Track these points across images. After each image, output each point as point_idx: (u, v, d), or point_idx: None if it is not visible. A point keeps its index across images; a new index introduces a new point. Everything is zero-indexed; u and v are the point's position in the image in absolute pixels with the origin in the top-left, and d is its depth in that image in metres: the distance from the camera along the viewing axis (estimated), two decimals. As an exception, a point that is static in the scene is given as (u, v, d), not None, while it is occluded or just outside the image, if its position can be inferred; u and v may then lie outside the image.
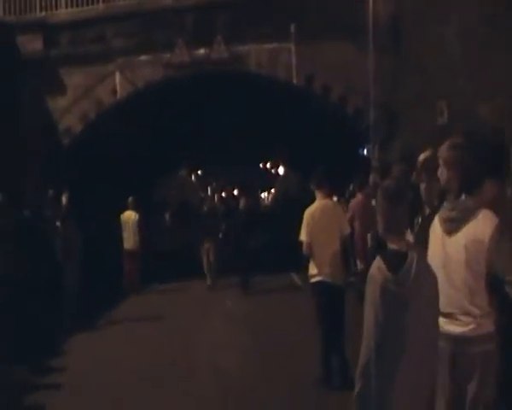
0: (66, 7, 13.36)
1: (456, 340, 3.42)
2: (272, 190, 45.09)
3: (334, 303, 6.36)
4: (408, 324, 2.95)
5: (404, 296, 2.95)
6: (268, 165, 40.39)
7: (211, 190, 36.59)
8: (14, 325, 7.61)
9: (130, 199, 13.03)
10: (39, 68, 12.76)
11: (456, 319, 3.44)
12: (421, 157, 6.00)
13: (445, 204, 3.74)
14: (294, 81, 12.60)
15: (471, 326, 3.41)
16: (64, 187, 10.62)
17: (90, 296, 10.24)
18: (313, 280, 6.49)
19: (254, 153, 28.40)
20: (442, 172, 4.11)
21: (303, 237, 6.47)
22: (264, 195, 46.50)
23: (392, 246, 3.08)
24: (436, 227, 3.64)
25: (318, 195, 6.72)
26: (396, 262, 3.00)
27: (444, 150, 4.21)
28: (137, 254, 13.15)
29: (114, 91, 13.04)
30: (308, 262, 6.55)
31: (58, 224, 9.97)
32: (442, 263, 3.44)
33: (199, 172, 39.26)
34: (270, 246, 21.13)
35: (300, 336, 8.19)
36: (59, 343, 8.71)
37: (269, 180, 42.57)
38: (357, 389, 3.07)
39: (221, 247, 13.51)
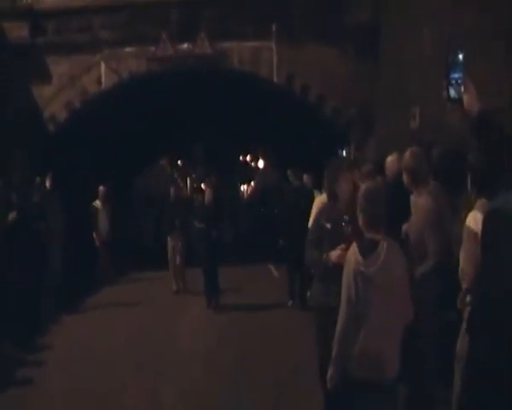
0: (54, -5, 13.55)
1: None
2: (252, 183, 45.46)
3: None
4: (375, 299, 3.46)
5: (372, 277, 3.46)
6: (248, 158, 40.76)
7: (190, 181, 36.85)
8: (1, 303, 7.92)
9: (101, 189, 13.10)
10: (25, 55, 12.90)
11: None
12: (389, 160, 6.50)
13: None
14: (275, 79, 13.02)
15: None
16: (48, 171, 10.92)
17: (73, 280, 10.64)
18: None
19: (235, 146, 28.78)
20: (404, 176, 4.79)
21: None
22: (243, 187, 46.86)
23: (368, 236, 3.61)
24: None
25: None
26: (368, 249, 3.53)
27: (405, 157, 4.84)
28: (109, 244, 13.16)
29: (99, 81, 13.32)
30: None
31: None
32: None
33: (178, 162, 39.46)
34: (247, 238, 21.59)
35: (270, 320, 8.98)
36: (45, 323, 9.06)
37: (249, 173, 42.92)
38: (334, 353, 3.60)
39: (189, 243, 12.36)
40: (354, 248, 3.60)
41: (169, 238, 12.14)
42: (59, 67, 13.43)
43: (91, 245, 13.02)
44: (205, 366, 7.14)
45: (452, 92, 2.86)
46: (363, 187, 3.86)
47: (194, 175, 38.72)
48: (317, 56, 12.90)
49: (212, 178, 14.00)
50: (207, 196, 10.65)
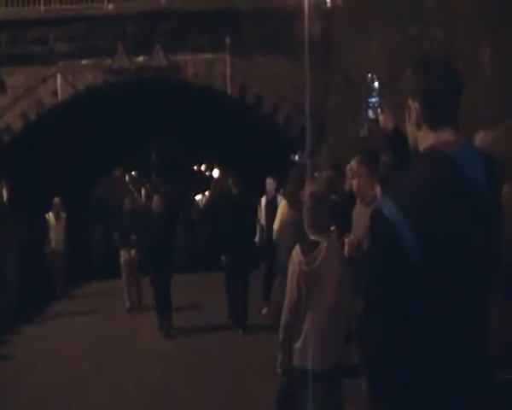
0: (6, 6, 13.52)
1: None
2: (206, 193, 45.67)
3: None
4: (317, 294, 3.83)
5: (313, 273, 3.83)
6: (202, 167, 41.01)
7: (144, 191, 36.82)
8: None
9: (55, 200, 12.75)
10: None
11: None
12: (348, 167, 6.96)
13: None
14: (229, 91, 13.41)
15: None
16: (4, 181, 10.95)
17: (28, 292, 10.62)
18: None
19: (190, 156, 29.01)
20: (353, 184, 5.24)
21: None
22: (198, 197, 47.02)
23: (311, 237, 3.98)
24: None
25: None
26: (310, 249, 3.90)
27: (351, 165, 5.30)
28: (63, 255, 12.81)
29: (55, 93, 13.43)
30: None
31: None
32: None
33: (133, 172, 39.40)
34: (201, 246, 21.74)
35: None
36: (4, 333, 9.18)
37: (204, 182, 43.13)
38: (280, 338, 3.96)
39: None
40: (297, 249, 3.95)
41: (122, 251, 11.22)
42: (14, 78, 13.47)
43: (43, 258, 12.73)
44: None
45: (370, 113, 3.27)
46: (308, 191, 4.24)
47: (148, 185, 38.70)
48: (269, 67, 13.36)
49: (163, 187, 13.63)
50: (156, 204, 9.59)
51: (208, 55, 13.36)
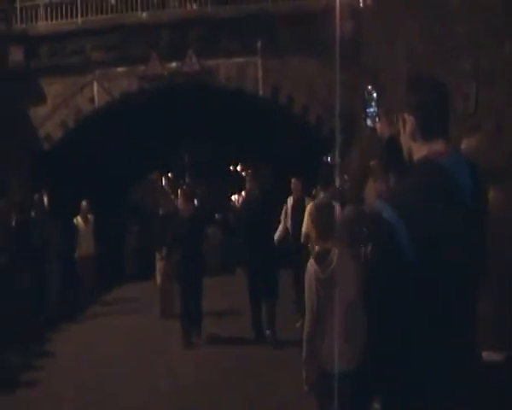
0: (46, 19, 14.14)
1: None
2: (243, 193, 45.94)
3: None
4: (334, 297, 4.02)
5: (328, 280, 4.05)
6: (238, 168, 41.35)
7: (181, 192, 37.25)
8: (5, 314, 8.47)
9: (83, 203, 12.70)
10: (21, 78, 13.44)
11: None
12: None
13: None
14: (261, 93, 13.65)
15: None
16: (44, 189, 11.44)
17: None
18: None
19: (226, 157, 29.36)
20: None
21: None
22: (234, 197, 47.39)
23: (321, 247, 4.23)
24: None
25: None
26: (322, 258, 4.15)
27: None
28: (92, 260, 12.71)
29: (92, 100, 13.89)
30: None
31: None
32: None
33: (169, 174, 39.96)
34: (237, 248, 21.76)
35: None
36: (45, 332, 9.67)
37: (240, 183, 43.39)
38: (304, 355, 4.15)
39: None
40: (311, 260, 4.19)
41: (157, 256, 10.91)
42: (53, 88, 13.98)
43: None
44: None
45: (369, 122, 3.51)
46: (313, 203, 4.42)
47: (185, 187, 39.09)
48: (299, 69, 13.54)
49: (198, 188, 13.61)
50: (183, 207, 8.94)
51: (240, 59, 13.64)
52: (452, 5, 8.34)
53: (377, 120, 3.59)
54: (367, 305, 2.11)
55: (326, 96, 13.59)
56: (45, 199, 11.35)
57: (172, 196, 32.75)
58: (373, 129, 3.67)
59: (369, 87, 3.57)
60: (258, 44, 13.41)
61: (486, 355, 2.39)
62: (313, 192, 13.33)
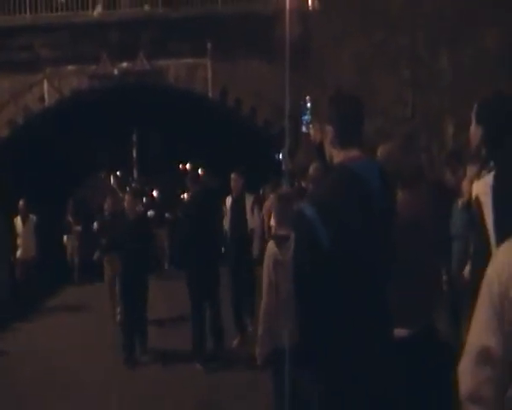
0: (-7, 14, 13.95)
1: None
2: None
3: None
4: (289, 279, 4.38)
5: (287, 263, 4.31)
6: (187, 166, 41.43)
7: (130, 191, 36.96)
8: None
9: (21, 203, 11.88)
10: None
11: None
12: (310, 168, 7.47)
13: None
14: (210, 94, 13.94)
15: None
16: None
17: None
18: None
19: (174, 155, 29.45)
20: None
21: None
22: (183, 196, 47.45)
23: (281, 232, 4.53)
24: None
25: None
26: (282, 242, 4.46)
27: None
28: (32, 263, 11.90)
29: (42, 99, 13.87)
30: None
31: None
32: None
33: (118, 173, 39.63)
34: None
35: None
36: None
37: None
38: (260, 332, 4.48)
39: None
40: (271, 243, 4.54)
41: (105, 258, 9.98)
42: (0, 85, 13.88)
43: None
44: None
45: (304, 128, 3.96)
46: (276, 193, 4.79)
47: (133, 185, 38.87)
48: (248, 71, 13.88)
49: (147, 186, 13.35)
50: (129, 206, 8.10)
51: (189, 60, 13.90)
52: (393, 16, 8.86)
53: (311, 127, 4.03)
54: (294, 286, 2.49)
55: (274, 99, 13.95)
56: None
57: (120, 195, 32.54)
58: (307, 134, 4.07)
59: (307, 97, 3.90)
60: (208, 46, 13.66)
61: (395, 332, 2.77)
62: (261, 191, 13.61)
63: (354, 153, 2.52)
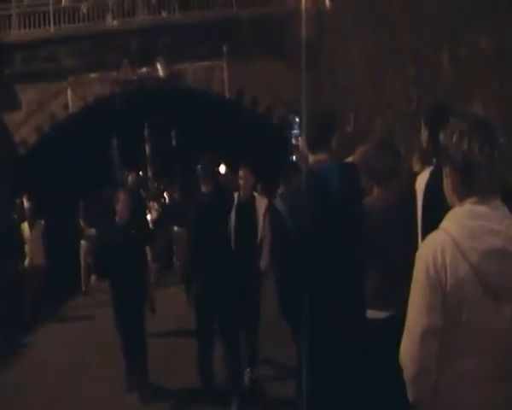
0: (19, 28, 14.66)
1: None
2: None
3: None
4: None
5: None
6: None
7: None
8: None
9: (26, 207, 11.12)
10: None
11: None
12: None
13: None
14: (227, 95, 14.44)
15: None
16: (23, 193, 11.84)
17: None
18: None
19: (194, 153, 29.97)
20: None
21: None
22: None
23: None
24: None
25: None
26: None
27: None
28: (41, 271, 10.80)
29: (67, 106, 14.50)
30: None
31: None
32: None
33: (136, 173, 40.19)
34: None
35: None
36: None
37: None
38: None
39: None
40: None
41: None
42: (27, 95, 14.50)
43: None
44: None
45: (293, 141, 4.50)
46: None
47: (155, 184, 39.36)
48: (263, 71, 14.32)
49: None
50: (121, 208, 6.43)
51: (207, 63, 14.40)
52: (397, 16, 9.22)
53: (299, 139, 4.60)
54: (272, 263, 3.14)
55: (289, 97, 14.35)
56: (25, 202, 11.57)
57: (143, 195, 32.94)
58: (296, 146, 4.56)
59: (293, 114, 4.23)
60: (224, 48, 14.14)
61: (370, 314, 3.17)
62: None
63: (321, 157, 3.04)
